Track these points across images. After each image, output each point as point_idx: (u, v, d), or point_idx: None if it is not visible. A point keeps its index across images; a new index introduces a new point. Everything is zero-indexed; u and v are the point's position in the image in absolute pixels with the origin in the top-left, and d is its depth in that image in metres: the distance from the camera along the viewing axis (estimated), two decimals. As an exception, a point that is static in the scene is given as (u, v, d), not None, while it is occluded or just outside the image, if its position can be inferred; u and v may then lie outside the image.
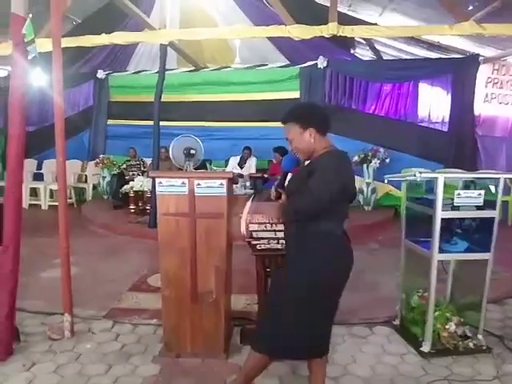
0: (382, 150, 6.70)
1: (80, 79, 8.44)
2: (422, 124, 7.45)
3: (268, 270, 2.64)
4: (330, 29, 5.02)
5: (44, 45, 3.87)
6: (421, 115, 7.49)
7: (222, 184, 2.49)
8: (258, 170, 7.10)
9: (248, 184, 6.36)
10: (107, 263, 4.48)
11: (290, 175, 2.06)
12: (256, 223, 2.50)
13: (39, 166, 8.15)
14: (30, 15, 2.49)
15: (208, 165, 7.40)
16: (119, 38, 5.66)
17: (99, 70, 8.39)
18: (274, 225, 2.49)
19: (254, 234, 2.53)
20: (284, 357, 2.14)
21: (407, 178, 2.78)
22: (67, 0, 5.22)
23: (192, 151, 6.60)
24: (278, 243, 2.53)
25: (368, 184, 6.75)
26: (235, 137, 7.75)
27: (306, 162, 2.00)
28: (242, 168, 7.02)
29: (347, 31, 5.09)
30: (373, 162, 6.62)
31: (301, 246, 1.87)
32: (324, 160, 1.85)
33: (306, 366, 2.07)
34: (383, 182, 6.78)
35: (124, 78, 8.40)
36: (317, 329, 1.91)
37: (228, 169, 7.16)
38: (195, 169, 6.65)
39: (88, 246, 4.92)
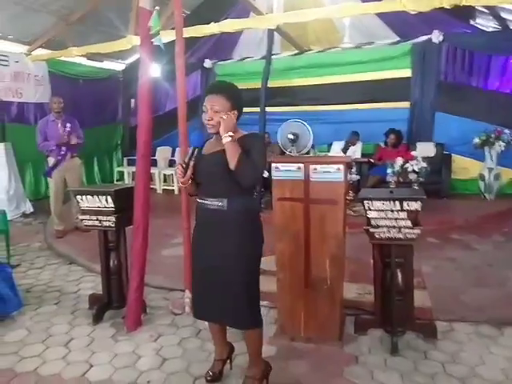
0: (507, 131, 6.01)
1: (188, 69, 8.79)
2: (557, 101, 6.49)
3: (387, 259, 2.52)
4: (452, -2, 4.50)
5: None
6: (556, 91, 6.53)
7: (339, 169, 2.42)
8: (362, 155, 6.84)
9: (354, 169, 6.14)
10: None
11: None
12: (375, 210, 2.38)
13: (153, 153, 8.76)
14: (157, 7, 2.62)
15: (312, 149, 7.30)
16: (228, 25, 5.76)
17: (206, 60, 8.70)
18: (395, 212, 2.35)
19: (373, 222, 2.41)
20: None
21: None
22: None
23: (293, 136, 6.45)
24: (399, 232, 2.39)
25: (490, 169, 6.13)
26: (339, 120, 7.53)
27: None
28: (345, 153, 6.80)
29: (472, 0, 4.53)
30: (496, 144, 5.98)
31: (241, 224, 1.98)
32: (255, 141, 2.04)
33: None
34: (508, 167, 6.19)
35: (229, 66, 8.59)
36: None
37: (331, 154, 6.98)
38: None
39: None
